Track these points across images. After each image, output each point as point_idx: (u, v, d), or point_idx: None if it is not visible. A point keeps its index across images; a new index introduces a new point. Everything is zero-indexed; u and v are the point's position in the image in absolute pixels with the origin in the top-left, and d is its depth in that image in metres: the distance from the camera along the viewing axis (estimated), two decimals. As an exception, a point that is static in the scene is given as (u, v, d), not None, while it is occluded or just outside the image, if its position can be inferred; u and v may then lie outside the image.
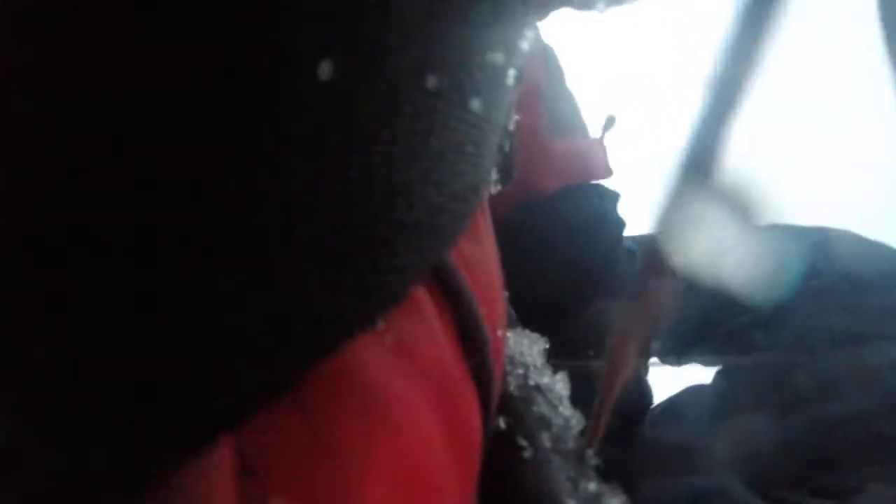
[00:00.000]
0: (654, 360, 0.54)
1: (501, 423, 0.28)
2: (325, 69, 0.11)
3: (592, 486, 0.27)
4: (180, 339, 0.12)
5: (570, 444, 0.28)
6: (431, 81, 0.13)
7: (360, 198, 0.13)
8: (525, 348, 0.30)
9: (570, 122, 0.58)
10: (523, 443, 0.27)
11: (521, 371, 0.29)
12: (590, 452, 0.28)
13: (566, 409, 0.29)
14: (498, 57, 0.14)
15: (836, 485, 0.34)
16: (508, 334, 0.31)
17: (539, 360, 0.30)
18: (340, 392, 0.16)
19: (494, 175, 0.21)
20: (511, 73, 0.15)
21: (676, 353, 0.53)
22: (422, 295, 0.18)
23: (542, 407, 0.28)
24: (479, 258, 0.22)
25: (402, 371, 0.17)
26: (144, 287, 0.11)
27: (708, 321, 0.49)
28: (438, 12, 0.13)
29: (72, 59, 0.10)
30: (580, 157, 0.57)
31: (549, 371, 0.30)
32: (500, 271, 0.24)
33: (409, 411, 0.17)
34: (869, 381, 0.38)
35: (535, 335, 0.31)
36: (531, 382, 0.29)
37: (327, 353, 0.14)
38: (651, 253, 0.21)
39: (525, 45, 0.15)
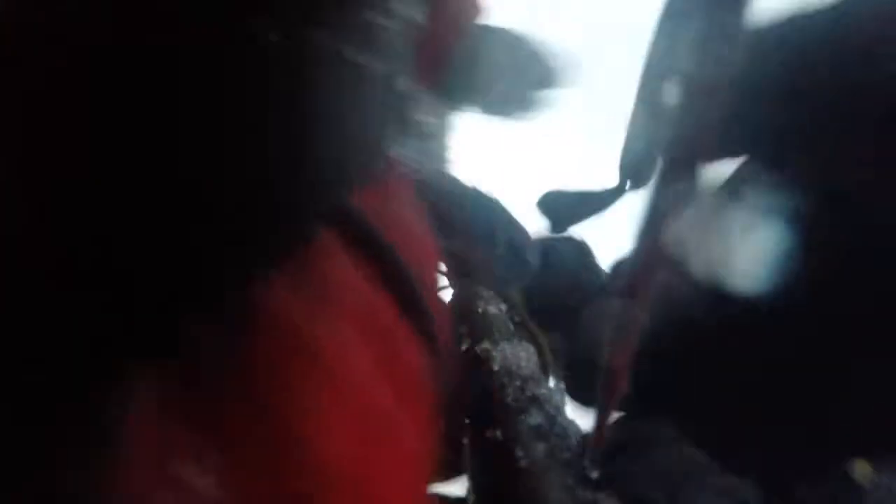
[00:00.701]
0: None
1: (498, 434, 0.28)
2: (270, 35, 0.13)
3: (590, 494, 0.27)
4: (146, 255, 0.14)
5: (568, 453, 0.28)
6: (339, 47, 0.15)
7: (288, 152, 0.15)
8: (522, 360, 0.30)
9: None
10: (520, 453, 0.28)
11: (518, 383, 0.29)
12: (588, 461, 0.28)
13: (564, 419, 0.29)
14: (379, 18, 0.16)
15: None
16: (505, 345, 0.31)
17: (537, 371, 0.30)
18: (269, 344, 0.17)
19: (399, 133, 0.23)
20: (395, 33, 0.16)
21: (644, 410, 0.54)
22: (336, 246, 0.20)
23: (539, 417, 0.29)
24: (394, 214, 0.24)
25: (326, 315, 0.18)
26: (133, 223, 0.14)
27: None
28: None
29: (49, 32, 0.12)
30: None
31: (546, 381, 0.30)
32: (424, 225, 0.26)
33: (341, 353, 0.18)
34: None
35: (532, 347, 0.32)
36: (528, 393, 0.29)
37: (262, 270, 0.17)
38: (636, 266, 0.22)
39: (404, 8, 0.17)
